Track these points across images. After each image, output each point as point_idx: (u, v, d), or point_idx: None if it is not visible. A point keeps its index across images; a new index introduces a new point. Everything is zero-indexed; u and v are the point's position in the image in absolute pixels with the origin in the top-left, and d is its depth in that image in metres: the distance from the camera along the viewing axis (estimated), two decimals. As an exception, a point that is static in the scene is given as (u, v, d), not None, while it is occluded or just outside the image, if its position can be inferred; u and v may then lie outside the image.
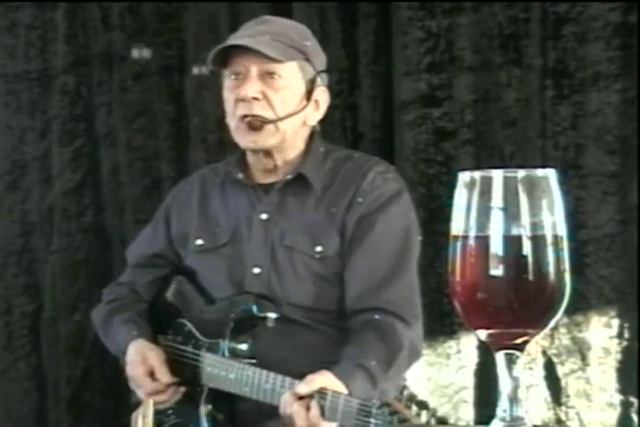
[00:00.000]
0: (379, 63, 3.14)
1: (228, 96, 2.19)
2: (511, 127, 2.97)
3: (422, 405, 1.76)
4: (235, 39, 2.17)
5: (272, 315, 2.14)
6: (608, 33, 2.86)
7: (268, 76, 2.15)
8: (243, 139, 2.19)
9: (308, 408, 1.91)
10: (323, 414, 1.89)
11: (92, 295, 3.53)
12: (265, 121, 2.15)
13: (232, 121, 2.20)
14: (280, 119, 2.16)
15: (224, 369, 2.12)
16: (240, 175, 2.26)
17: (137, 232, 2.50)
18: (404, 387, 1.82)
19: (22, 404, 3.60)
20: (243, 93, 2.14)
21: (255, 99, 2.14)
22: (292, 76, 2.18)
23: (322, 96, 2.25)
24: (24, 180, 3.60)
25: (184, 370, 2.21)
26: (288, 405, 1.93)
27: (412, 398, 1.77)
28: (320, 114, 2.26)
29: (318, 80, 2.24)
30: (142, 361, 2.18)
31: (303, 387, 1.93)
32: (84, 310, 3.51)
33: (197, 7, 3.39)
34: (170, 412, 2.24)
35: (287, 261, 2.18)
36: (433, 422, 1.75)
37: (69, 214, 3.54)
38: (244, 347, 2.15)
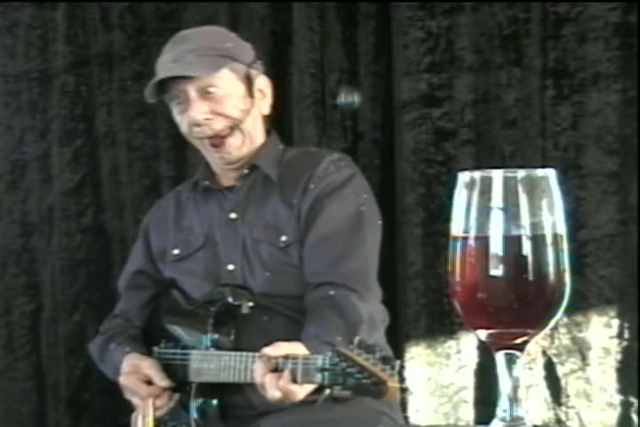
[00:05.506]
0: (379, 63, 3.14)
1: (180, 120, 2.30)
2: (511, 127, 2.96)
3: (385, 359, 1.75)
4: (162, 69, 2.25)
5: (248, 303, 2.19)
6: (608, 33, 2.86)
7: (206, 92, 2.24)
8: (212, 157, 2.32)
9: (279, 376, 1.93)
10: (294, 379, 1.91)
11: (92, 295, 3.55)
12: (224, 135, 2.26)
13: (193, 142, 2.32)
14: (239, 121, 2.26)
15: (206, 361, 2.16)
16: (206, 182, 2.36)
17: (137, 232, 2.51)
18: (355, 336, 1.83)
19: (22, 404, 3.60)
20: (192, 119, 2.24)
21: (206, 119, 2.24)
22: (227, 82, 2.26)
23: (264, 84, 2.34)
24: (24, 180, 3.60)
25: (176, 373, 2.23)
26: (260, 375, 1.96)
27: (361, 345, 1.77)
28: (269, 101, 2.35)
29: (253, 72, 2.31)
30: (136, 370, 2.22)
31: (270, 349, 1.95)
32: (84, 310, 3.52)
33: (197, 7, 3.39)
34: (167, 418, 2.26)
35: (256, 254, 2.25)
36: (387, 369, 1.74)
37: (69, 214, 3.54)
38: (225, 338, 2.19)
